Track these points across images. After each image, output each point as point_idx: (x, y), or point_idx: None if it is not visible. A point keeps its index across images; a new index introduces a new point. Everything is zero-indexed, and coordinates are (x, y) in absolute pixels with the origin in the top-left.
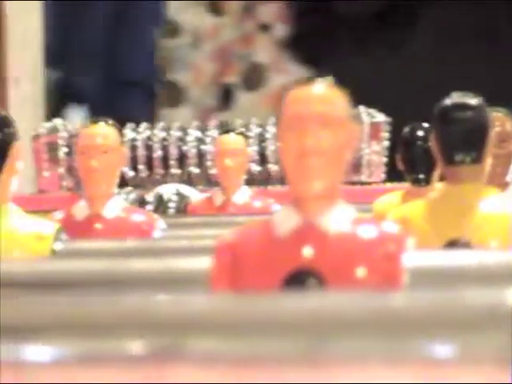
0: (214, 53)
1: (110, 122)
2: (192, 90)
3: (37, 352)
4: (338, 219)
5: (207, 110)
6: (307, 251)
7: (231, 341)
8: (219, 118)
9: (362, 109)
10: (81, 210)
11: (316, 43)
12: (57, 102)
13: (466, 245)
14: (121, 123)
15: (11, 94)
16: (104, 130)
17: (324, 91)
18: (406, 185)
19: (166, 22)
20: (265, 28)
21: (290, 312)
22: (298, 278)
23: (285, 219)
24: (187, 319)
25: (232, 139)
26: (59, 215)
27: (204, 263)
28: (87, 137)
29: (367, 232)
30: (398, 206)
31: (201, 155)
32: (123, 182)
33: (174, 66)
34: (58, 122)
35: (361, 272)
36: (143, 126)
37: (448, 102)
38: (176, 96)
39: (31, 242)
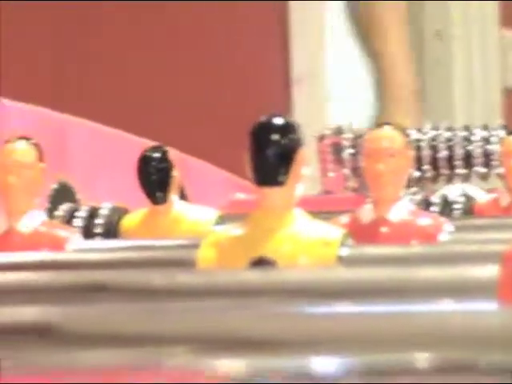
0: None
1: (396, 125)
2: None
3: (325, 364)
4: None
5: None
6: None
7: None
8: None
9: None
10: (367, 213)
11: None
12: None
13: None
14: None
15: (295, 95)
16: (390, 134)
17: None
18: None
19: None
20: None
21: None
22: None
23: None
24: (478, 333)
25: None
26: (344, 219)
27: (492, 271)
28: (374, 140)
29: None
30: None
31: (486, 155)
32: (408, 183)
33: None
34: (342, 123)
35: None
36: (427, 126)
37: None
38: None
39: (317, 247)
